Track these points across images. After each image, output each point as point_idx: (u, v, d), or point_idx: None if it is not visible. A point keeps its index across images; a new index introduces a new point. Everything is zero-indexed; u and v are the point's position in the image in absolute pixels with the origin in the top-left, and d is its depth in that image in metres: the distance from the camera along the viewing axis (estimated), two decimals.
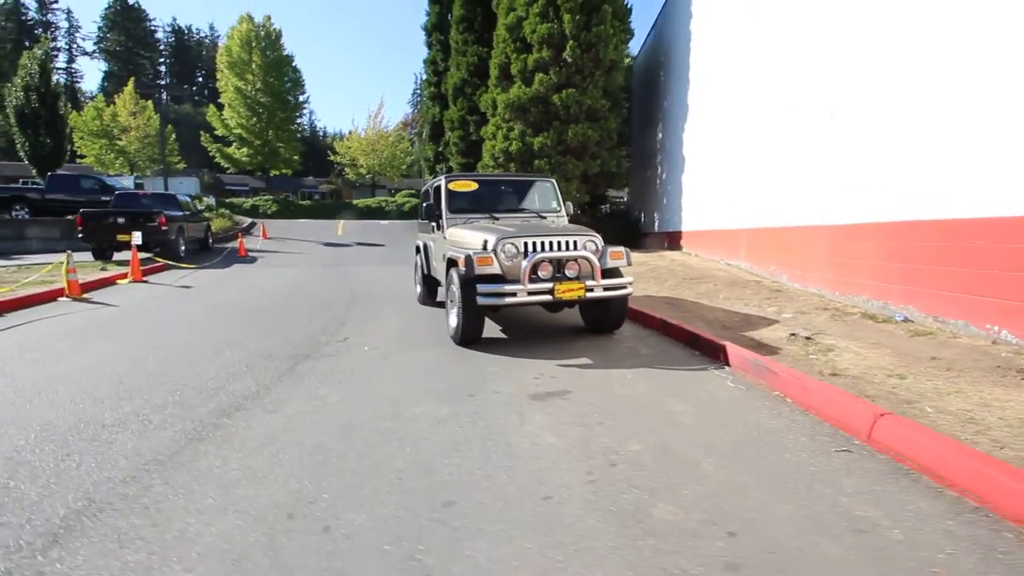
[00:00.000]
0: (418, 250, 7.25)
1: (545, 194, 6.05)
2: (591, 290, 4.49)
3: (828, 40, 6.15)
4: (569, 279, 4.50)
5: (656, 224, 13.94)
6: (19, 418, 3.01)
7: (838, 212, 5.78)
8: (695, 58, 11.23)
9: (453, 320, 4.81)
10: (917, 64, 4.81)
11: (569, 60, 12.53)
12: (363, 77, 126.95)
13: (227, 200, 30.43)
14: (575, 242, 4.66)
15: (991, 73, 4.06)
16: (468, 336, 4.58)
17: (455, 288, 4.56)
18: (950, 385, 3.16)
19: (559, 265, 4.55)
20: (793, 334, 4.56)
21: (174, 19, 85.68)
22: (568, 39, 12.48)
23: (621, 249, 4.77)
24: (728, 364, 3.94)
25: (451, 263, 4.89)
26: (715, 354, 4.14)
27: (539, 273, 4.44)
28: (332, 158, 39.73)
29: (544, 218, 5.78)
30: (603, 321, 5.05)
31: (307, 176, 49.59)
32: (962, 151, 4.28)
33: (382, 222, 26.21)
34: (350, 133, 38.55)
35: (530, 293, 4.35)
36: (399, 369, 4.04)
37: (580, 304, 4.90)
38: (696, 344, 4.50)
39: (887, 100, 5.17)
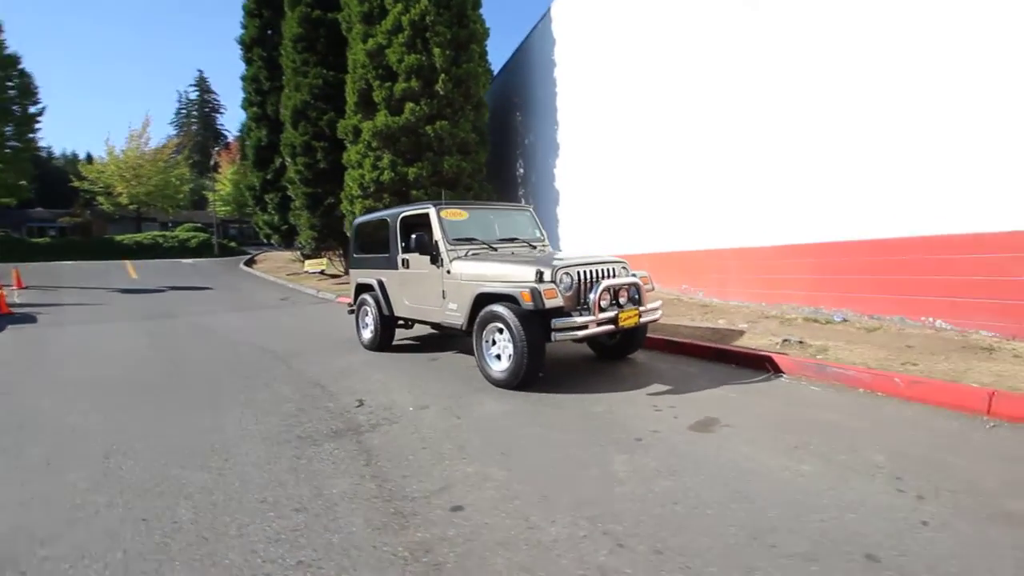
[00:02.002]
0: (366, 288, 6.28)
1: (528, 223, 5.87)
2: (642, 315, 4.51)
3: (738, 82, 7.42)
4: (622, 306, 4.44)
5: None
6: None
7: (760, 236, 6.92)
8: (563, 102, 12.27)
9: (500, 363, 4.29)
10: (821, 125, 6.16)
11: (441, 92, 12.46)
12: (114, 92, 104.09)
13: None
14: (616, 268, 4.64)
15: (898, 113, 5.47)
16: (531, 377, 4.12)
17: (513, 326, 4.07)
18: (958, 364, 4.04)
19: (615, 293, 4.45)
20: (787, 339, 5.26)
21: None
22: (439, 72, 12.42)
23: (646, 274, 4.90)
24: (781, 372, 4.35)
25: (489, 298, 4.38)
26: (758, 364, 4.53)
27: (601, 303, 4.28)
28: (77, 184, 31.67)
29: (534, 247, 5.60)
30: (628, 346, 5.08)
31: (35, 207, 38.53)
32: (886, 183, 5.60)
33: (184, 261, 21.87)
34: (107, 155, 31.33)
35: (599, 323, 4.16)
36: (504, 430, 3.42)
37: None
38: (725, 358, 4.85)
39: (788, 142, 6.48)
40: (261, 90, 17.39)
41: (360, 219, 6.68)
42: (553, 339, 4.00)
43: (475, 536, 2.08)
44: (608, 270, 4.57)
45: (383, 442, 3.17)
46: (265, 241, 19.51)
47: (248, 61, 17.71)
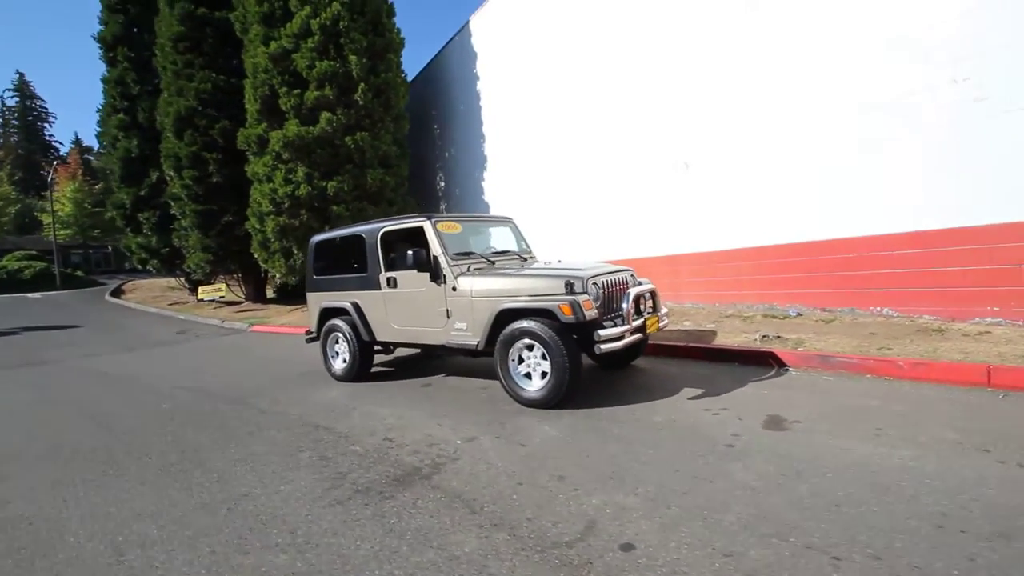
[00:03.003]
0: (335, 313, 5.64)
1: (514, 235, 5.68)
2: (661, 320, 4.56)
3: (682, 96, 7.91)
4: (644, 314, 4.45)
5: None
6: None
7: (709, 241, 7.41)
8: (488, 115, 12.24)
9: (532, 381, 4.06)
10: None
11: (361, 102, 11.79)
12: None
13: None
14: (627, 276, 4.64)
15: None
16: (572, 393, 3.93)
17: (551, 341, 3.86)
18: (924, 345, 4.62)
19: (638, 301, 4.43)
20: (765, 336, 5.65)
21: None
22: (357, 81, 11.75)
23: (647, 280, 4.97)
24: (785, 365, 4.64)
25: (513, 314, 4.13)
26: (760, 360, 4.80)
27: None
28: None
29: (525, 259, 5.44)
30: (633, 353, 5.09)
31: None
32: (829, 189, 6.29)
33: (30, 295, 18.04)
34: None
35: (631, 332, 4.11)
36: (588, 453, 3.19)
37: None
38: (724, 357, 5.07)
39: (746, 153, 7.08)
40: (129, 94, 15.09)
41: (320, 237, 5.99)
42: (598, 351, 3.87)
43: None
44: (624, 278, 4.56)
45: (463, 483, 2.79)
46: (140, 267, 16.81)
47: (111, 61, 15.29)
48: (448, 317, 4.64)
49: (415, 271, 4.75)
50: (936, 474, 2.48)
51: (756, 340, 5.54)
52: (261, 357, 7.85)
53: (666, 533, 2.15)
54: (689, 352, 5.39)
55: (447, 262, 4.62)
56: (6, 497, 3.02)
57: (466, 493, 2.67)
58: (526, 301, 4.10)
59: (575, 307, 3.82)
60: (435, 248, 4.68)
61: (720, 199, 7.27)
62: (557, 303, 3.88)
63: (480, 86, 12.37)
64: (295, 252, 12.09)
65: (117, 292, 19.46)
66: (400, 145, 13.00)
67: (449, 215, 5.11)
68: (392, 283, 5.08)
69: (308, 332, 6.18)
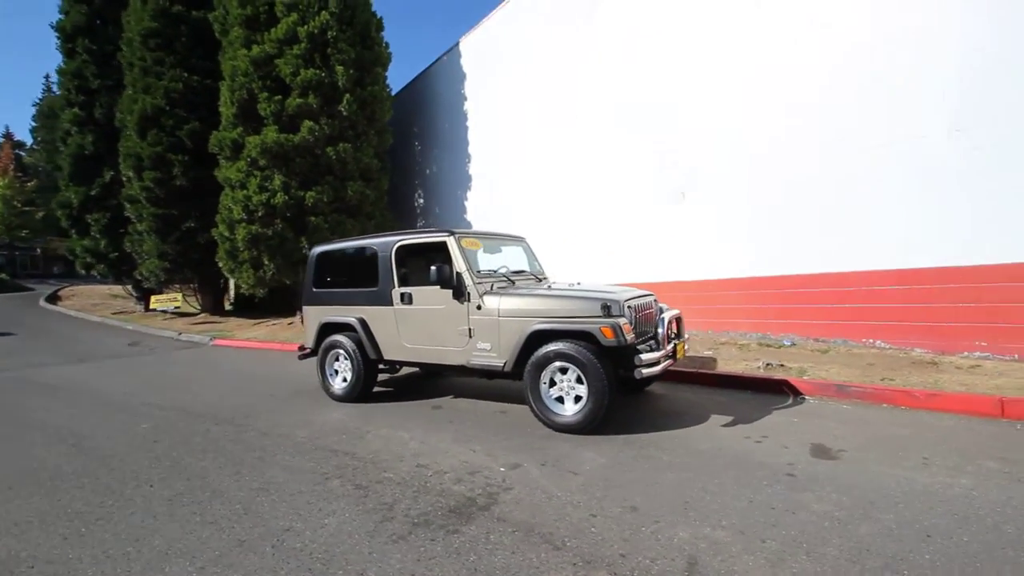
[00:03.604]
0: (338, 328, 5.33)
1: (527, 255, 5.58)
2: (686, 346, 4.55)
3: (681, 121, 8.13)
4: (672, 340, 4.43)
5: None
6: None
7: (701, 271, 7.58)
8: (475, 136, 12.22)
9: (565, 405, 3.94)
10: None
11: (345, 113, 11.51)
12: None
13: None
14: (651, 300, 4.63)
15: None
16: (606, 419, 3.82)
17: (589, 364, 3.76)
18: (926, 377, 4.83)
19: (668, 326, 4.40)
20: (769, 364, 5.76)
21: None
22: (343, 92, 11.50)
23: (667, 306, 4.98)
24: (800, 394, 4.73)
25: (546, 336, 4.01)
26: (775, 389, 4.87)
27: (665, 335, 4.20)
28: None
29: (541, 280, 5.36)
30: (649, 380, 5.05)
31: None
32: (821, 225, 6.57)
33: None
34: None
35: (665, 357, 4.07)
36: (648, 483, 3.08)
37: None
38: (737, 385, 5.12)
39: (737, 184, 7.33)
40: (87, 88, 14.13)
41: (323, 248, 5.67)
42: (639, 375, 3.79)
43: None
44: (650, 303, 4.55)
45: (529, 515, 2.61)
46: (83, 272, 15.49)
47: (69, 53, 14.30)
48: (470, 336, 4.46)
49: (436, 287, 4.55)
50: (1003, 502, 2.53)
51: (760, 368, 5.64)
52: (234, 373, 7.31)
53: (775, 569, 2.07)
54: (699, 379, 5.41)
55: (472, 279, 4.46)
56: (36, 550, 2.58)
57: (538, 526, 2.49)
58: (562, 322, 3.99)
59: (617, 330, 3.75)
60: (459, 264, 4.52)
61: (715, 229, 7.47)
62: (598, 325, 3.80)
63: (467, 107, 12.37)
64: (266, 263, 11.52)
65: (53, 298, 17.80)
66: (381, 159, 12.75)
67: (469, 231, 4.97)
68: (406, 299, 4.85)
69: (302, 348, 5.81)
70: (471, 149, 12.32)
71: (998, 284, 5.19)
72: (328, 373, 5.37)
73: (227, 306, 16.23)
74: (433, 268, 4.42)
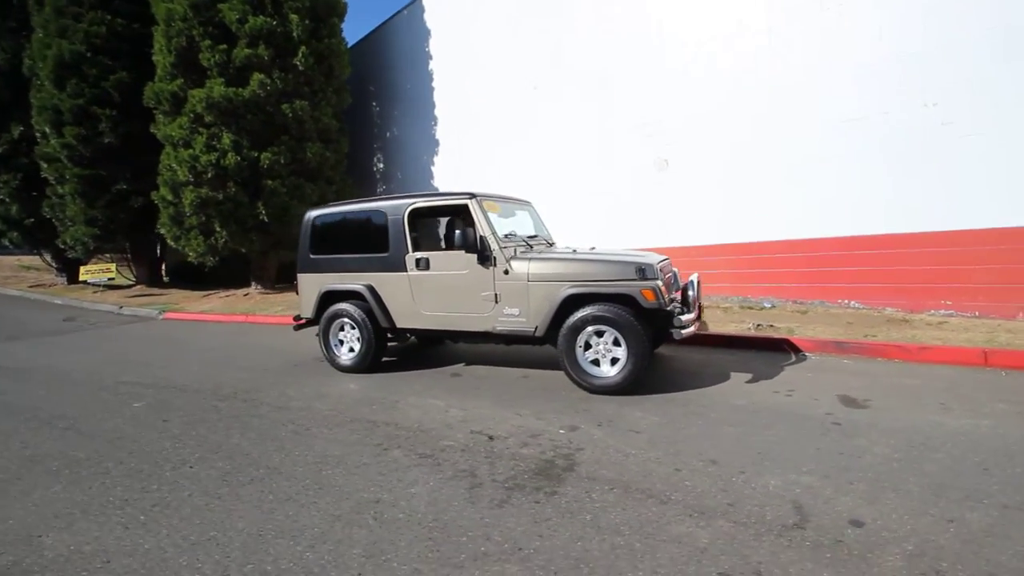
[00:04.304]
0: (343, 296, 5.06)
1: (536, 219, 5.50)
2: (703, 310, 4.70)
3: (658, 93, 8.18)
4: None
5: None
6: None
7: (684, 237, 7.82)
8: (441, 97, 11.73)
9: (601, 368, 3.97)
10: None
11: (301, 67, 10.68)
12: None
13: None
14: (669, 264, 4.72)
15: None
16: (642, 379, 3.91)
17: (629, 327, 3.80)
18: (905, 332, 5.29)
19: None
20: (759, 324, 6.10)
21: None
22: (298, 43, 10.64)
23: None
24: (800, 351, 5.05)
25: (581, 299, 4.00)
26: (776, 347, 5.17)
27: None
28: None
29: (552, 245, 5.31)
30: (659, 341, 5.20)
31: None
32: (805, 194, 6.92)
33: None
34: None
35: (695, 319, 4.19)
36: (710, 436, 3.18)
37: None
38: (741, 344, 5.39)
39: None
40: None
41: (321, 211, 5.29)
42: (679, 336, 3.88)
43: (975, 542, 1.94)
44: (669, 265, 4.64)
45: (619, 473, 2.63)
46: None
47: None
48: (496, 302, 4.37)
49: (456, 252, 4.41)
50: None
51: (751, 328, 5.96)
52: (205, 347, 6.79)
53: (874, 506, 2.22)
54: (704, 340, 5.63)
55: (498, 243, 4.34)
56: (34, 530, 2.27)
57: (633, 483, 2.52)
58: (599, 286, 3.99)
59: (658, 292, 3.81)
60: (482, 228, 4.38)
61: (699, 197, 7.69)
62: (639, 288, 3.83)
63: (433, 66, 11.80)
64: (218, 230, 10.66)
65: None
66: (339, 120, 12.02)
67: (489, 194, 4.80)
68: (423, 264, 4.66)
69: (297, 318, 5.47)
70: (438, 112, 11.83)
71: (959, 248, 5.72)
72: (332, 344, 5.11)
73: (164, 277, 14.96)
74: (458, 232, 4.26)
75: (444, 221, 5.36)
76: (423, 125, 12.11)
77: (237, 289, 12.28)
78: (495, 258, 4.34)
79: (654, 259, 4.20)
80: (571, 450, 2.96)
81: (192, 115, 10.28)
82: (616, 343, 3.93)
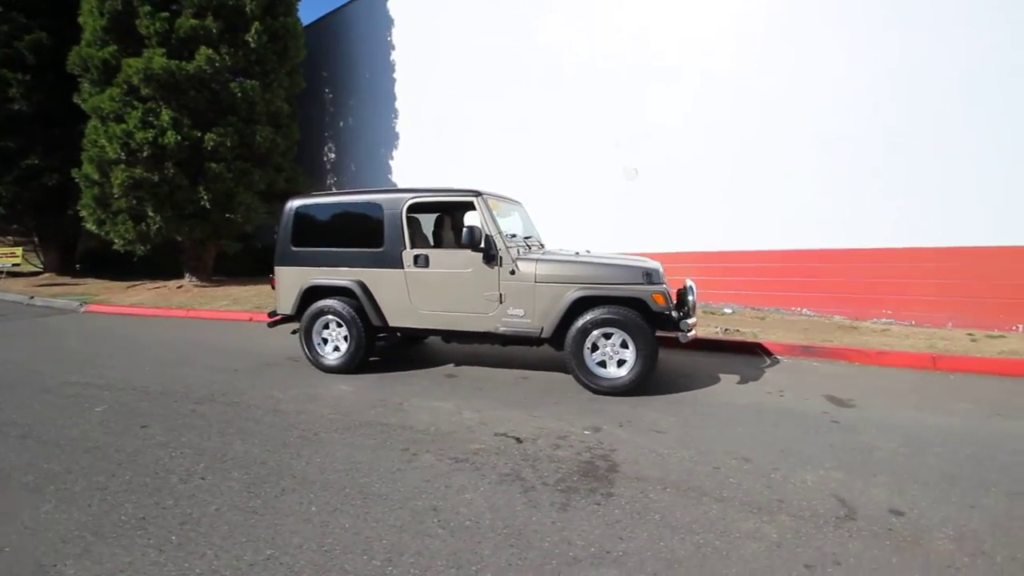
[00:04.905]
0: (330, 292, 4.79)
1: (526, 220, 5.48)
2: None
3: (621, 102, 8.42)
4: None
5: None
6: None
7: (649, 244, 8.12)
8: (403, 89, 11.41)
9: (607, 369, 4.04)
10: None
11: (253, 44, 9.99)
12: None
13: None
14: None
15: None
16: (648, 380, 4.02)
17: (638, 330, 3.90)
18: (856, 338, 5.81)
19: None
20: (726, 329, 6.46)
21: None
22: (251, 18, 9.96)
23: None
24: (772, 354, 5.40)
25: (588, 302, 4.04)
26: (749, 350, 5.51)
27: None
28: None
29: (543, 246, 5.33)
30: None
31: None
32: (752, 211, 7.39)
33: None
34: None
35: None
36: (733, 438, 3.31)
37: None
38: (716, 348, 5.68)
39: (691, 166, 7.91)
40: None
41: (305, 200, 4.96)
42: (685, 339, 4.02)
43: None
44: (663, 271, 4.80)
45: (661, 473, 2.69)
46: None
47: None
48: (500, 302, 4.32)
49: (459, 250, 4.32)
50: (997, 432, 3.23)
51: (719, 332, 6.30)
52: (150, 344, 6.18)
53: (904, 496, 2.43)
54: (679, 343, 5.86)
55: (504, 243, 4.29)
56: (44, 559, 1.95)
57: (681, 483, 2.59)
58: (609, 289, 4.05)
59: (667, 297, 3.94)
60: (489, 227, 4.31)
61: (665, 207, 8.03)
62: (649, 292, 3.94)
63: (395, 56, 11.46)
64: (151, 214, 9.73)
65: None
66: (291, 104, 11.38)
67: (492, 192, 4.73)
68: (421, 261, 4.51)
69: (272, 314, 5.10)
70: (399, 105, 11.50)
71: (899, 264, 6.39)
72: (316, 343, 4.81)
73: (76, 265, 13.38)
74: (465, 229, 4.17)
75: (435, 217, 5.24)
76: (382, 117, 11.73)
77: (167, 281, 11.25)
78: (501, 258, 4.28)
79: (656, 264, 4.33)
80: (605, 451, 2.99)
81: (126, 86, 9.32)
82: (624, 345, 4.01)
